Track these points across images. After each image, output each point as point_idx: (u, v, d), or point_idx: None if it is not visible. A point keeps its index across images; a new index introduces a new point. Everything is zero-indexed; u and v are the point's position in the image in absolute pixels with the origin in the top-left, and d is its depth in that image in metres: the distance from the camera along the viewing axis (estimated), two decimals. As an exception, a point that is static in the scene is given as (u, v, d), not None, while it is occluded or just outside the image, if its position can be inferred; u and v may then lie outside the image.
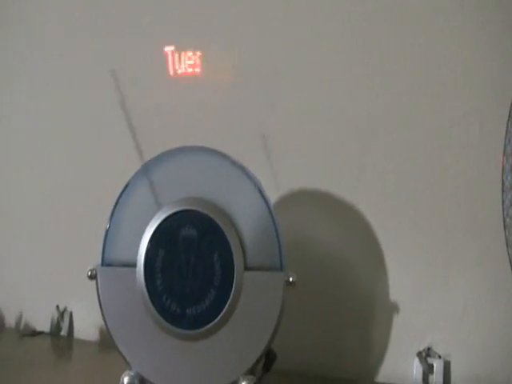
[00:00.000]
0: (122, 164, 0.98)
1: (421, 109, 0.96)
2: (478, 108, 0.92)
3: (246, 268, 0.78)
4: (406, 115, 0.97)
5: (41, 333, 1.20)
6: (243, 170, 0.82)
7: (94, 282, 0.82)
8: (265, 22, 1.07)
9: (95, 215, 0.91)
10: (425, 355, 0.92)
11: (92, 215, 1.05)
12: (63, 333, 1.19)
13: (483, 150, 0.90)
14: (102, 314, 0.81)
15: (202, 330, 0.78)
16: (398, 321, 0.96)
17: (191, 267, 0.79)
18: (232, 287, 0.77)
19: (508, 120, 0.77)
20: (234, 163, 0.82)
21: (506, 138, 0.77)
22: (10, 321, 1.25)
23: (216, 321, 0.77)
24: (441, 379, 0.91)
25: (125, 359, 0.80)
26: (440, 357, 0.92)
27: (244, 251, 0.79)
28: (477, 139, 0.92)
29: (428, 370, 0.92)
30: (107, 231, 0.83)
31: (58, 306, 1.20)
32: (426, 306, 0.94)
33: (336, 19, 1.02)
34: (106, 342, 1.07)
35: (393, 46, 0.98)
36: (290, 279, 0.78)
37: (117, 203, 0.84)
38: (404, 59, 0.98)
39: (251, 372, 0.78)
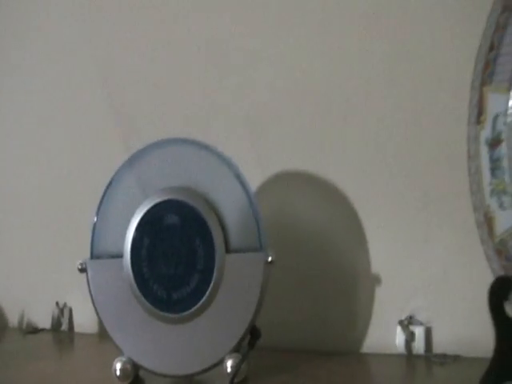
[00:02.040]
0: (108, 158, 1.01)
1: (394, 82, 1.00)
2: (449, 79, 0.95)
3: (228, 251, 0.82)
4: (379, 89, 1.01)
5: (43, 329, 1.24)
6: (222, 158, 0.86)
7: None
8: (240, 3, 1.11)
9: (90, 212, 0.94)
10: (407, 323, 0.96)
11: (87, 213, 1.08)
12: (64, 328, 1.23)
13: (453, 119, 0.93)
14: (93, 305, 0.86)
15: (188, 312, 0.82)
16: (380, 291, 0.99)
17: (175, 254, 0.83)
18: (214, 270, 0.81)
19: (470, 91, 0.80)
20: (214, 152, 0.86)
21: (469, 107, 0.80)
22: (13, 320, 1.29)
23: (201, 303, 0.81)
24: (422, 345, 0.95)
25: (117, 346, 0.85)
26: (422, 324, 0.95)
27: (225, 235, 0.83)
28: (448, 109, 0.95)
29: (410, 337, 0.95)
30: (95, 225, 0.88)
31: (57, 303, 1.24)
32: (406, 275, 0.98)
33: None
34: (104, 332, 1.11)
35: (367, 19, 1.02)
36: (269, 259, 0.81)
37: (103, 198, 0.88)
38: (378, 31, 1.01)
39: (236, 350, 0.82)
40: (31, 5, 1.30)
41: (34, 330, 1.23)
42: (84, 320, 1.21)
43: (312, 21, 1.05)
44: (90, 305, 0.87)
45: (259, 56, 1.09)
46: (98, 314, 0.86)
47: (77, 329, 1.23)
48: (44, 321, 1.25)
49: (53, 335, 1.22)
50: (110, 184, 0.87)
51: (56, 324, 1.23)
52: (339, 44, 1.03)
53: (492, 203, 0.75)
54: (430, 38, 0.97)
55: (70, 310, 1.23)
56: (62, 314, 1.23)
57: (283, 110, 1.07)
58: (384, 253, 1.00)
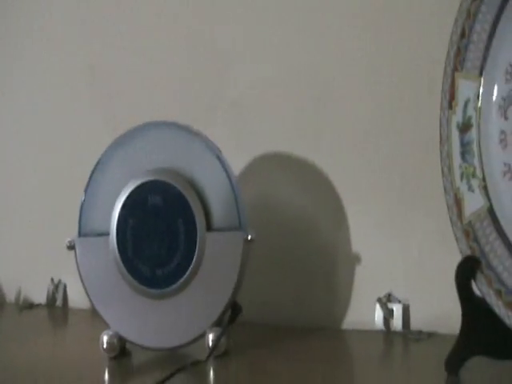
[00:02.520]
0: (97, 140, 1.04)
1: (371, 67, 1.02)
2: (424, 64, 0.97)
3: (208, 229, 0.86)
4: (357, 75, 1.03)
5: (38, 305, 1.28)
6: (203, 139, 0.89)
7: (78, 252, 0.89)
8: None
9: (80, 189, 0.97)
10: (385, 301, 0.99)
11: (80, 191, 1.12)
12: (58, 303, 1.26)
13: (429, 104, 0.94)
14: (81, 281, 0.90)
15: (171, 288, 0.85)
16: (359, 270, 1.03)
17: (158, 232, 0.86)
18: (196, 248, 0.85)
19: (443, 77, 0.82)
20: (196, 134, 0.89)
21: (441, 92, 0.82)
22: (10, 296, 1.32)
23: (183, 279, 0.85)
24: (400, 323, 0.98)
25: (104, 320, 0.88)
26: (399, 301, 0.99)
27: (206, 214, 0.86)
28: (423, 95, 0.97)
29: (388, 314, 0.99)
30: (82, 204, 0.91)
31: (52, 279, 1.27)
32: (385, 256, 1.01)
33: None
34: (96, 308, 1.15)
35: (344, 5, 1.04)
36: (249, 237, 0.85)
37: (91, 177, 0.91)
38: (354, 17, 1.03)
39: (218, 324, 0.85)
40: None
41: (29, 306, 1.27)
42: (77, 296, 1.24)
43: (294, 7, 1.08)
44: (84, 282, 0.90)
45: (242, 42, 1.12)
46: (85, 290, 0.89)
47: (71, 304, 1.27)
48: (40, 297, 1.29)
49: (48, 310, 1.25)
50: (97, 164, 0.91)
51: (51, 300, 1.27)
52: (320, 31, 1.06)
53: (462, 186, 0.77)
54: (405, 21, 0.99)
55: (65, 286, 1.27)
56: (57, 290, 1.27)
57: (266, 94, 1.09)
58: (363, 234, 1.03)
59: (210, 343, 0.84)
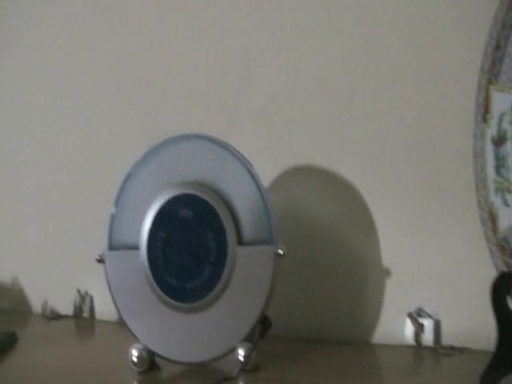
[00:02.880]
0: (126, 153, 1.04)
1: (403, 78, 1.01)
2: (456, 76, 0.96)
3: (239, 243, 0.85)
4: (388, 84, 1.03)
5: (65, 316, 1.28)
6: (235, 153, 0.88)
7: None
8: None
9: (109, 202, 0.97)
10: (416, 315, 0.98)
11: (109, 202, 1.12)
12: (85, 315, 1.26)
13: (461, 116, 0.93)
14: (111, 294, 0.89)
15: (201, 302, 0.85)
16: (389, 283, 1.02)
17: (189, 246, 0.86)
18: (226, 261, 0.84)
19: (477, 89, 0.81)
20: (226, 148, 0.88)
21: (475, 105, 0.81)
22: (37, 307, 1.33)
23: (213, 293, 0.84)
24: (431, 337, 0.97)
25: (133, 334, 0.88)
26: (430, 316, 0.97)
27: (237, 228, 0.86)
28: (455, 106, 0.96)
29: (419, 329, 0.97)
30: (112, 217, 0.91)
31: (79, 291, 1.27)
32: (415, 267, 1.00)
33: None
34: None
35: (376, 14, 1.03)
36: (280, 251, 0.84)
37: (120, 191, 0.91)
38: (387, 27, 1.03)
39: (248, 339, 0.85)
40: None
41: (56, 317, 1.27)
42: (104, 308, 1.24)
43: (322, 14, 1.07)
44: (111, 293, 0.90)
45: (270, 50, 1.11)
46: (115, 302, 0.89)
47: (98, 316, 1.27)
48: (66, 308, 1.29)
49: (75, 322, 1.25)
50: (127, 177, 0.90)
51: (78, 311, 1.27)
52: (350, 39, 1.05)
53: (496, 200, 0.76)
54: (437, 33, 0.99)
55: (91, 298, 1.27)
56: (84, 301, 1.27)
57: (295, 105, 1.09)
58: (393, 246, 1.02)
59: (241, 358, 0.83)
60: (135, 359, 0.86)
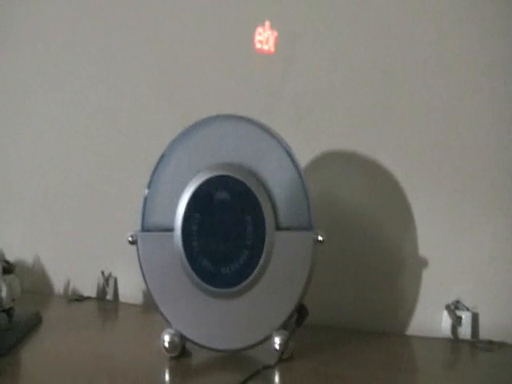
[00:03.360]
0: (159, 133, 1.02)
1: (439, 63, 0.99)
2: (491, 63, 0.94)
3: (277, 228, 0.82)
4: (422, 69, 1.00)
5: (88, 298, 1.26)
6: (274, 134, 0.85)
7: (135, 247, 0.87)
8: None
9: (136, 183, 0.95)
10: (453, 308, 0.95)
11: (133, 183, 1.10)
12: (109, 297, 1.24)
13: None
14: (144, 277, 0.86)
15: (237, 288, 0.82)
16: (426, 275, 0.99)
17: (225, 229, 0.83)
18: (264, 247, 0.82)
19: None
20: (265, 129, 0.85)
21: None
22: (59, 288, 1.31)
23: (249, 279, 0.82)
24: (469, 331, 0.94)
25: (165, 318, 0.86)
26: (468, 309, 0.95)
27: (275, 212, 0.83)
28: (494, 98, 0.94)
29: (457, 322, 0.95)
30: (146, 198, 0.88)
31: (103, 272, 1.26)
32: (453, 258, 0.97)
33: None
34: (149, 304, 1.13)
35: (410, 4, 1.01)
36: (319, 238, 0.81)
37: (154, 171, 0.88)
38: (427, 23, 1.00)
39: (284, 327, 0.82)
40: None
41: (79, 298, 1.25)
42: (129, 290, 1.22)
43: (361, 9, 1.04)
44: (136, 276, 0.88)
45: (305, 36, 1.08)
46: (147, 286, 0.86)
47: (122, 299, 1.25)
48: (89, 289, 1.27)
49: (98, 304, 1.23)
50: (161, 158, 0.88)
51: (101, 293, 1.25)
52: (386, 31, 1.03)
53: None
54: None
55: (115, 280, 1.25)
56: (107, 283, 1.25)
57: (332, 89, 1.06)
58: (431, 238, 0.99)
59: (277, 346, 0.81)
60: (167, 344, 0.84)
